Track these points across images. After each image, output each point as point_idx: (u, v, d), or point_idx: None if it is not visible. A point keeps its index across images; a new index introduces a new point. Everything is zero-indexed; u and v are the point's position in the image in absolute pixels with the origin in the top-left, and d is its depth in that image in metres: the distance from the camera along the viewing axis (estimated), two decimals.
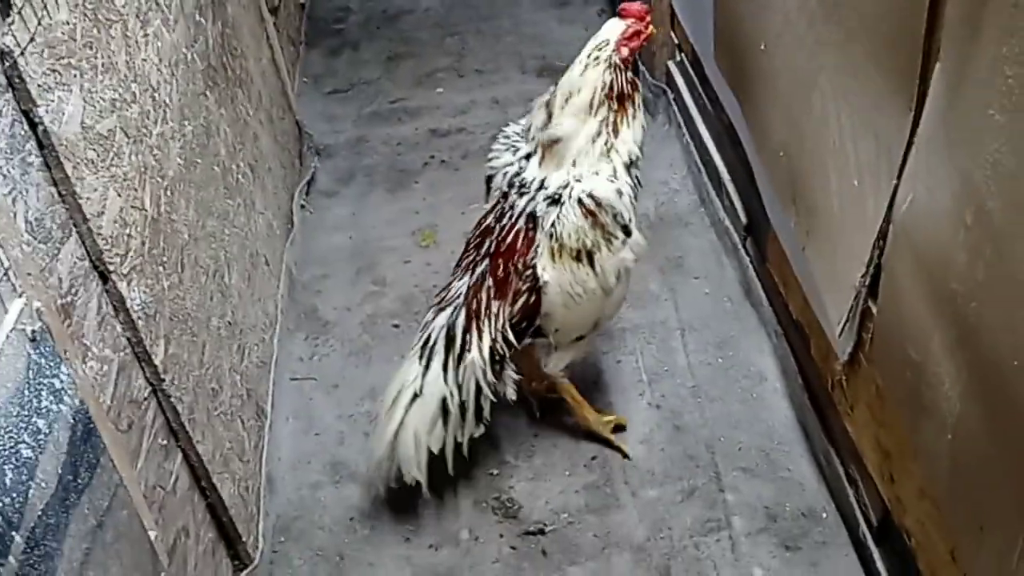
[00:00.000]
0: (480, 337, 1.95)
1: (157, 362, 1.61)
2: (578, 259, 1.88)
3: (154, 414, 1.63)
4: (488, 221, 1.98)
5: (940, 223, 1.32)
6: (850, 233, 1.65)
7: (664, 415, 2.21)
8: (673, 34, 2.94)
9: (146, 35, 1.80)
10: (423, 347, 1.99)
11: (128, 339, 1.55)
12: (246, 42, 2.62)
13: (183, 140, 1.92)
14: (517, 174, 1.92)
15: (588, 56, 1.85)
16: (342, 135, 3.24)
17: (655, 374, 2.30)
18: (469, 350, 1.95)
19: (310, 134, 3.11)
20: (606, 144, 1.85)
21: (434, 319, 2.01)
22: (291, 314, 2.54)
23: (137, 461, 1.54)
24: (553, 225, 1.86)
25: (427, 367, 1.98)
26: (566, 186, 1.86)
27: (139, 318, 1.56)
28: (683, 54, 2.90)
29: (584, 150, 1.85)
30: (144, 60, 1.77)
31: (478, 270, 1.97)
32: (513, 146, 1.98)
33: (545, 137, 1.87)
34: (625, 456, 2.13)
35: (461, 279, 2.00)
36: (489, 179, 2.02)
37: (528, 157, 1.93)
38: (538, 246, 1.89)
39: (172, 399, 1.66)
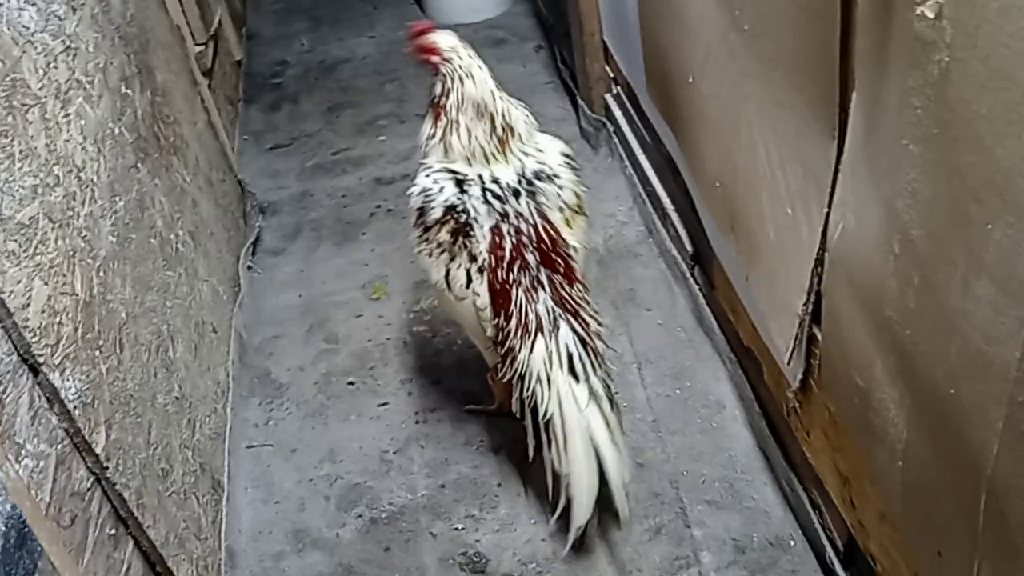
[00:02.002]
0: (589, 326, 1.95)
1: (98, 450, 1.57)
2: (581, 211, 2.00)
3: (99, 504, 1.59)
4: (507, 247, 1.91)
5: (871, 251, 1.32)
6: (788, 261, 1.66)
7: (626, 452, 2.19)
8: (608, 68, 2.96)
9: (67, 115, 1.77)
10: (572, 368, 1.90)
11: (65, 430, 1.51)
12: (179, 107, 2.60)
13: (115, 217, 1.89)
14: (496, 194, 1.92)
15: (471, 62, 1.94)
16: (286, 190, 3.22)
17: None
18: (595, 341, 1.95)
19: (253, 192, 3.08)
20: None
21: (559, 339, 1.91)
22: (243, 380, 2.50)
23: (83, 556, 1.49)
24: (559, 195, 1.95)
25: (587, 380, 1.90)
26: (540, 164, 1.96)
27: (75, 407, 1.52)
28: (619, 87, 2.92)
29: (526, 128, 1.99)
30: (67, 141, 1.74)
31: (545, 281, 1.93)
32: (457, 183, 1.93)
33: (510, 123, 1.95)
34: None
35: (537, 302, 1.91)
36: (427, 219, 1.94)
37: (481, 177, 1.92)
38: (554, 226, 1.95)
39: (117, 486, 1.62)
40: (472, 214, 1.91)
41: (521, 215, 1.92)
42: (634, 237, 2.77)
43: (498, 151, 1.93)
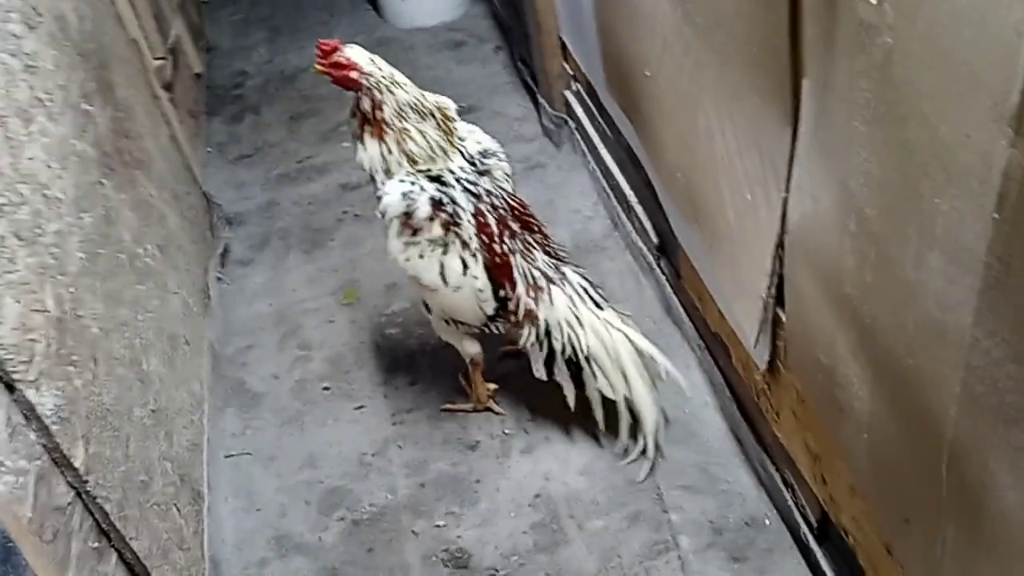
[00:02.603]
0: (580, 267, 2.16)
1: (78, 464, 1.58)
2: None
3: (81, 518, 1.59)
4: (492, 224, 2.01)
5: (828, 230, 1.36)
6: (750, 245, 1.70)
7: (602, 443, 2.22)
8: (566, 65, 2.99)
9: (30, 133, 1.77)
10: (593, 300, 2.08)
11: (44, 446, 1.52)
12: (141, 122, 2.60)
13: (82, 233, 1.89)
14: (468, 180, 2.00)
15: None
16: (252, 201, 3.22)
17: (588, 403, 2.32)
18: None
19: (219, 204, 3.08)
20: None
21: (570, 281, 2.08)
22: (219, 390, 2.50)
23: (67, 570, 1.50)
24: (500, 167, 2.08)
25: (609, 305, 2.11)
26: (478, 143, 2.06)
27: (53, 423, 1.53)
28: (578, 84, 2.95)
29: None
30: (31, 159, 1.74)
31: (532, 241, 2.08)
32: (432, 179, 1.98)
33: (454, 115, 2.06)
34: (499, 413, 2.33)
35: (536, 260, 2.06)
36: (415, 219, 1.96)
37: (449, 170, 2.00)
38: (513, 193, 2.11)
39: (98, 499, 1.63)
40: (458, 203, 1.98)
41: (490, 193, 2.03)
42: (600, 231, 2.80)
43: (448, 143, 2.00)
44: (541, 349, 2.08)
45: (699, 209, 1.95)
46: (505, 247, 2.02)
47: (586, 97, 2.89)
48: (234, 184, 3.31)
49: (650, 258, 2.54)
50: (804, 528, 1.89)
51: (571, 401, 2.13)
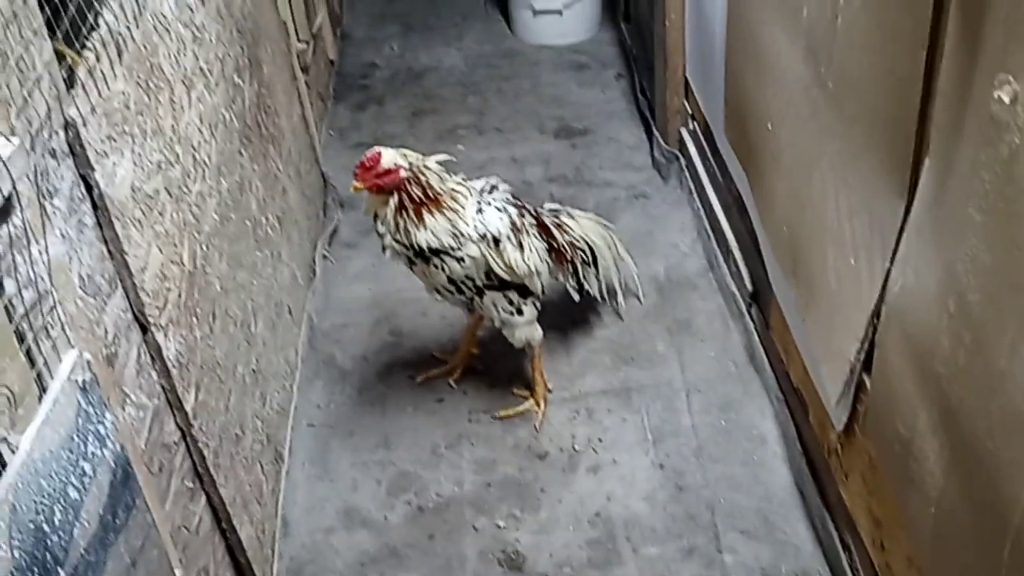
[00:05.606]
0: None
1: (188, 408, 1.71)
2: None
3: (182, 458, 1.73)
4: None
5: (927, 308, 1.41)
6: (846, 309, 1.74)
7: (667, 474, 2.28)
8: (687, 103, 3.06)
9: (190, 99, 1.92)
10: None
11: (163, 386, 1.65)
12: (279, 100, 2.76)
13: (219, 196, 2.03)
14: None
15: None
16: None
17: (660, 433, 2.39)
18: None
19: (334, 186, 3.23)
20: None
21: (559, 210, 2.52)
22: (310, 362, 2.63)
23: (166, 502, 1.63)
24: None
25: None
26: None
27: (173, 367, 1.66)
28: (695, 123, 3.01)
29: None
30: (187, 123, 1.89)
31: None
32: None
33: None
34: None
35: (544, 214, 2.42)
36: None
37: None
38: None
39: (200, 444, 1.76)
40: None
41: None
42: (695, 269, 2.86)
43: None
44: (577, 273, 2.44)
45: (800, 265, 2.00)
46: (536, 217, 2.35)
47: (701, 137, 2.95)
48: (351, 169, 3.41)
49: (741, 304, 2.59)
50: None
51: (597, 295, 2.56)
